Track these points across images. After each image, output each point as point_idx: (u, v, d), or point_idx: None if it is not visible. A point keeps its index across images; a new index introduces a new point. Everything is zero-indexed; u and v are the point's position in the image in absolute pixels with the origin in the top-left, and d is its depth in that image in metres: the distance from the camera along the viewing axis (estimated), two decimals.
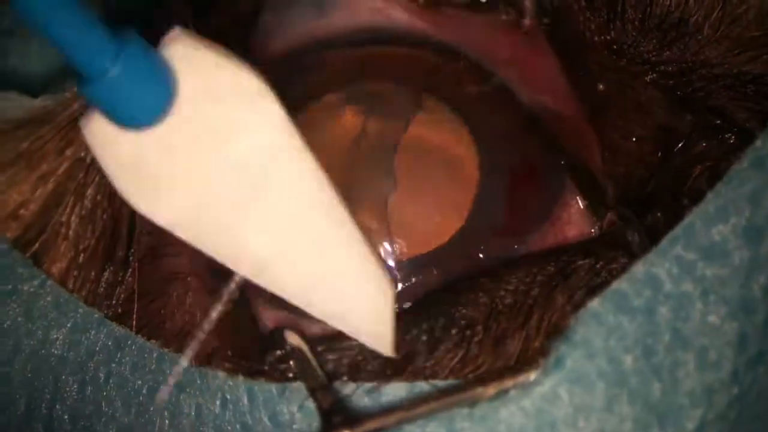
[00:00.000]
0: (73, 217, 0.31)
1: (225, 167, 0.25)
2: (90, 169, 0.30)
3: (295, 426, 0.28)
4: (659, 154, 0.31)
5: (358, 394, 0.28)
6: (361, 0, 0.33)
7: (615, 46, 0.31)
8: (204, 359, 0.30)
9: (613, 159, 0.32)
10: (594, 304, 0.26)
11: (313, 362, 0.29)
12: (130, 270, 0.31)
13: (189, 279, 0.31)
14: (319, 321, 0.29)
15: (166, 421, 0.28)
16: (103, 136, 0.25)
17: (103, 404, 0.29)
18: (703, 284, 0.26)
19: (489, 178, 0.31)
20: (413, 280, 0.31)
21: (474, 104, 0.32)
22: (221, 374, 0.28)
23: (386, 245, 0.31)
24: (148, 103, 0.24)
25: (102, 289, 0.31)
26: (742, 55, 0.31)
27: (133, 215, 0.31)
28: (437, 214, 0.32)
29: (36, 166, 0.30)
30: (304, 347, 0.29)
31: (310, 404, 0.28)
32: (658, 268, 0.26)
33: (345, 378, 0.29)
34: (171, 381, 0.28)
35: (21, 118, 0.30)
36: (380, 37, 0.33)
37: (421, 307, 0.30)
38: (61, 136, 0.30)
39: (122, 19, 0.26)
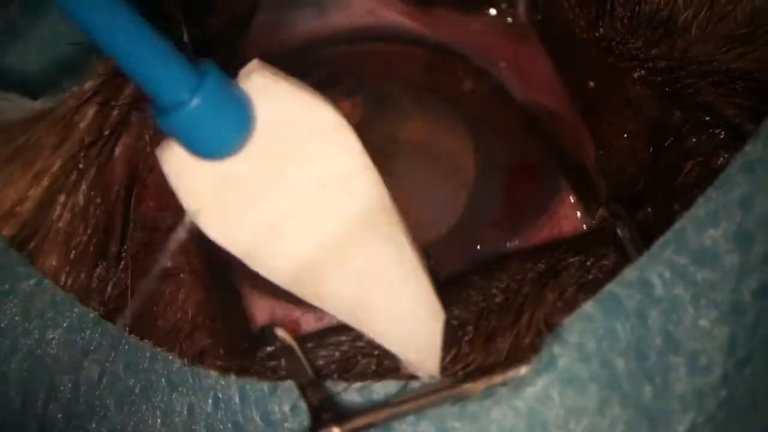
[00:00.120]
0: (65, 213, 0.31)
1: (299, 197, 0.26)
2: (84, 165, 0.30)
3: (286, 425, 0.28)
4: (650, 150, 0.31)
5: (348, 391, 0.28)
6: (357, 0, 0.33)
7: (603, 43, 0.31)
8: (196, 357, 0.30)
9: (605, 155, 0.32)
10: (587, 306, 0.27)
11: (303, 359, 0.29)
12: (122, 266, 0.31)
13: (182, 276, 0.31)
14: (309, 315, 0.29)
15: (158, 420, 0.29)
16: (179, 165, 0.25)
17: (96, 403, 0.29)
18: (695, 288, 0.26)
19: (485, 174, 0.32)
20: None
21: (471, 102, 0.32)
22: (213, 373, 0.28)
23: None
24: (225, 133, 0.25)
25: (94, 285, 0.31)
26: (731, 53, 0.31)
27: (127, 211, 0.31)
28: (433, 209, 0.32)
29: (31, 164, 0.30)
30: (294, 344, 0.29)
31: (302, 403, 0.28)
32: (650, 272, 0.27)
33: (335, 375, 0.29)
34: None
35: (20, 118, 0.30)
36: (378, 36, 0.33)
37: None
38: (55, 132, 0.30)
39: None
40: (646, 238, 0.28)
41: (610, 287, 0.27)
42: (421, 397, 0.27)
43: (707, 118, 0.31)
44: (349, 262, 0.26)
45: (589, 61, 0.32)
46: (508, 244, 0.31)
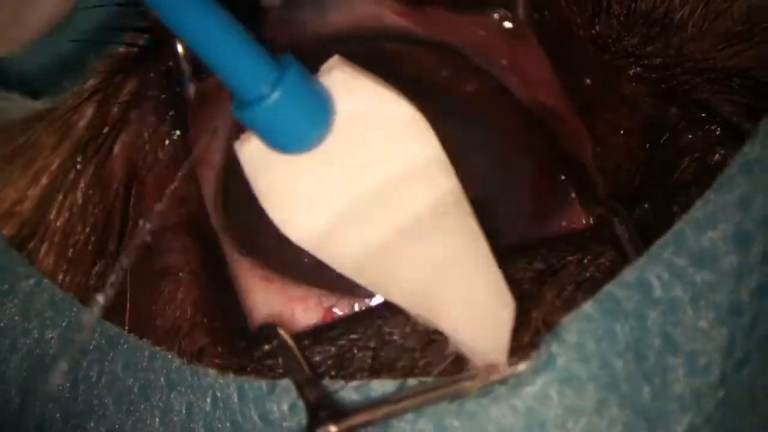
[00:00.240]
0: (64, 212, 0.31)
1: (374, 190, 0.26)
2: (83, 163, 0.30)
3: (285, 424, 0.28)
4: (647, 146, 0.31)
5: (345, 389, 0.28)
6: (356, 1, 0.33)
7: (600, 41, 0.31)
8: (194, 356, 0.30)
9: (602, 153, 0.32)
10: (586, 307, 0.27)
11: (299, 356, 0.29)
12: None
13: (180, 275, 0.31)
14: (310, 315, 0.30)
15: (157, 419, 0.29)
16: (258, 158, 0.26)
17: (95, 402, 0.29)
18: (693, 290, 0.27)
19: (486, 174, 0.32)
20: None
21: (471, 101, 0.32)
22: (212, 372, 0.28)
23: None
24: (305, 128, 0.25)
25: (92, 283, 0.31)
26: (727, 50, 0.31)
27: (126, 209, 0.31)
28: None
29: (31, 163, 0.30)
30: (291, 342, 0.29)
31: (300, 402, 0.28)
32: (649, 274, 0.27)
33: (332, 371, 0.29)
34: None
35: (21, 118, 0.30)
36: (378, 36, 0.33)
37: None
38: (55, 132, 0.30)
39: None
40: (643, 235, 0.28)
41: (610, 288, 0.27)
42: (418, 394, 0.27)
43: (703, 115, 0.31)
44: (421, 252, 0.27)
45: (586, 59, 0.32)
46: (507, 243, 0.31)
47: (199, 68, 0.32)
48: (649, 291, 0.27)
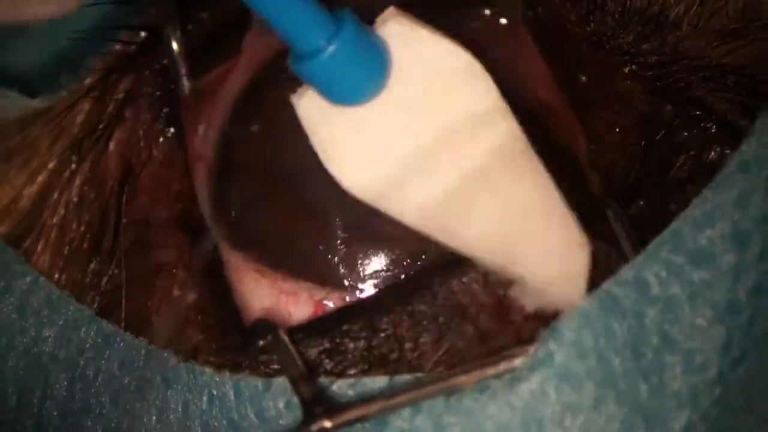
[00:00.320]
0: (60, 209, 0.31)
1: (435, 139, 0.26)
2: (78, 160, 0.30)
3: (281, 421, 0.28)
4: (642, 144, 0.31)
5: (340, 384, 0.28)
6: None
7: (595, 38, 0.31)
8: (190, 353, 0.30)
9: (597, 150, 0.32)
10: (584, 304, 0.27)
11: (293, 352, 0.29)
12: (116, 261, 0.31)
13: (175, 271, 0.31)
14: (302, 308, 0.30)
15: (154, 418, 0.29)
16: (315, 111, 0.26)
17: (92, 401, 0.29)
18: (691, 288, 0.27)
19: None
20: (407, 268, 0.31)
21: None
22: (208, 370, 0.28)
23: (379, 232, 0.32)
24: (362, 80, 0.25)
25: (88, 280, 0.31)
26: (722, 48, 0.31)
27: (121, 207, 0.31)
28: None
29: (27, 162, 0.30)
30: (285, 337, 0.29)
31: (296, 400, 0.28)
32: (647, 272, 0.27)
33: (327, 365, 0.29)
34: None
35: (18, 116, 0.30)
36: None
37: (406, 291, 0.31)
38: (50, 129, 0.30)
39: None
40: (639, 231, 0.28)
41: (608, 286, 0.27)
42: (413, 389, 0.27)
43: (698, 113, 0.31)
44: (491, 198, 0.27)
45: (581, 56, 0.32)
46: None
47: (194, 65, 0.31)
48: (646, 289, 0.27)
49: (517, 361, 0.27)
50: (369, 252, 0.31)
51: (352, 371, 0.29)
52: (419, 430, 0.27)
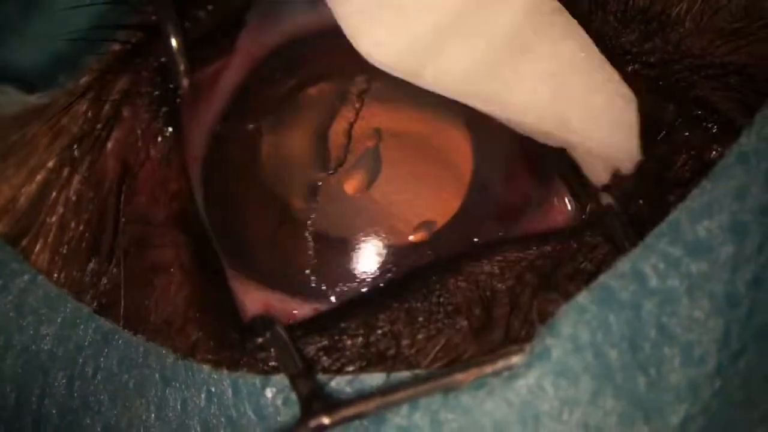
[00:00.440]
0: (58, 208, 0.31)
1: (466, 7, 0.26)
2: (76, 160, 0.30)
3: (279, 418, 0.28)
4: (642, 143, 0.31)
5: (338, 381, 0.28)
6: None
7: (596, 37, 0.31)
8: (188, 351, 0.30)
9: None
10: (580, 298, 0.27)
11: (292, 348, 0.29)
12: (114, 260, 0.31)
13: (172, 270, 0.31)
14: (301, 304, 0.30)
15: (152, 415, 0.29)
16: None
17: (90, 399, 0.29)
18: (689, 280, 0.26)
19: (483, 165, 0.32)
20: (406, 260, 0.31)
21: None
22: (206, 368, 0.28)
23: (378, 229, 0.32)
24: None
25: (87, 279, 0.31)
26: (725, 46, 0.31)
27: (119, 205, 0.31)
28: (432, 201, 0.32)
29: (26, 160, 0.30)
30: (283, 334, 0.29)
31: (294, 396, 0.28)
32: (645, 264, 0.27)
33: (325, 361, 0.29)
34: None
35: (15, 112, 0.30)
36: None
37: (403, 288, 0.30)
38: (49, 127, 0.31)
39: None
40: (638, 230, 0.28)
41: (604, 279, 0.27)
42: (411, 386, 0.27)
43: (700, 112, 0.31)
44: (531, 61, 0.27)
45: None
46: (506, 233, 0.31)
47: (193, 63, 0.32)
48: (644, 281, 0.26)
49: (515, 359, 0.27)
50: (341, 268, 0.31)
51: (349, 368, 0.29)
52: (417, 426, 0.27)
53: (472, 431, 0.27)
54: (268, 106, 0.32)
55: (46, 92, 0.30)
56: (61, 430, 0.29)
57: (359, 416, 0.27)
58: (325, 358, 0.30)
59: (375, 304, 0.30)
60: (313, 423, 0.27)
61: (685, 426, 0.26)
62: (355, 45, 0.26)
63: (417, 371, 0.28)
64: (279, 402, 0.28)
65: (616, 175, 0.31)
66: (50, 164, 0.31)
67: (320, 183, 0.32)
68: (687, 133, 0.31)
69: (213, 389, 0.28)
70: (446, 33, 0.26)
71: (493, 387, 0.27)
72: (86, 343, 0.29)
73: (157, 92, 0.32)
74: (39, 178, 0.30)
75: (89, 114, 0.31)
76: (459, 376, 0.27)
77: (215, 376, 0.28)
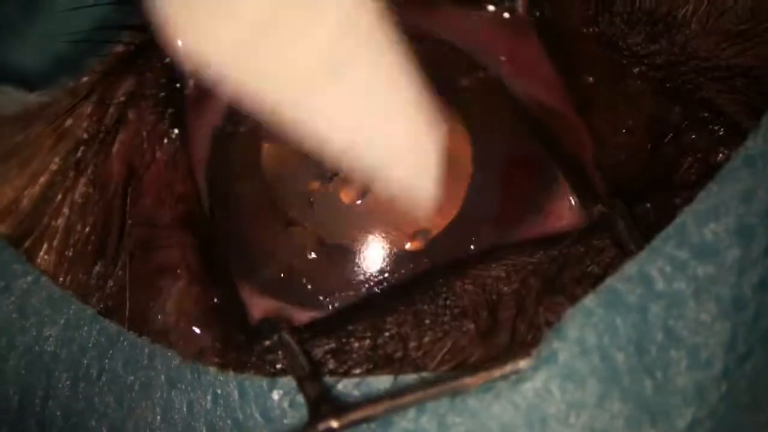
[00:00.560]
0: (64, 210, 0.31)
1: (280, 13, 0.25)
2: (82, 163, 0.30)
3: (285, 421, 0.28)
4: (648, 146, 0.31)
5: (346, 384, 0.28)
6: None
7: (603, 39, 0.31)
8: (194, 353, 0.30)
9: (603, 151, 0.32)
10: (587, 301, 0.26)
11: (299, 352, 0.29)
12: (120, 263, 0.31)
13: (180, 272, 0.31)
14: (306, 309, 0.30)
15: (158, 417, 0.28)
16: None
17: (96, 400, 0.29)
18: (696, 283, 0.26)
19: (482, 170, 0.32)
20: (403, 269, 0.31)
21: (468, 97, 0.32)
22: (212, 370, 0.28)
23: (377, 232, 0.31)
24: None
25: (93, 282, 0.31)
26: (731, 48, 0.31)
27: (125, 208, 0.31)
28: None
29: (29, 162, 0.30)
30: (290, 337, 0.29)
31: (301, 399, 0.28)
32: (651, 267, 0.27)
33: (332, 364, 0.29)
34: None
35: (16, 112, 0.30)
36: None
37: (410, 291, 0.30)
38: (53, 130, 0.30)
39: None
40: (645, 233, 0.28)
41: (611, 282, 0.26)
42: (419, 390, 0.27)
43: (706, 115, 0.30)
44: (343, 75, 0.26)
45: (588, 57, 0.32)
46: (507, 238, 0.31)
47: None
48: (651, 284, 0.26)
49: (523, 363, 0.27)
50: (339, 277, 0.31)
51: (357, 370, 0.29)
52: (424, 430, 0.27)
53: None
54: None
55: (46, 91, 0.30)
56: None
57: (367, 420, 0.27)
58: (332, 360, 0.30)
59: (382, 307, 0.30)
60: (321, 426, 0.27)
61: (693, 429, 0.26)
62: (175, 48, 0.26)
63: (425, 374, 0.28)
64: (286, 404, 0.28)
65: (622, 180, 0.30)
66: (54, 166, 0.31)
67: (317, 191, 0.31)
68: (693, 136, 0.31)
69: (219, 391, 0.28)
70: (263, 33, 0.25)
71: (500, 390, 0.27)
72: (90, 345, 0.29)
73: (162, 94, 0.32)
74: (42, 180, 0.30)
75: (94, 117, 0.31)
76: (467, 380, 0.27)
77: (221, 378, 0.28)
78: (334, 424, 0.27)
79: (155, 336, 0.30)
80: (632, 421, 0.26)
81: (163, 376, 0.29)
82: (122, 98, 0.31)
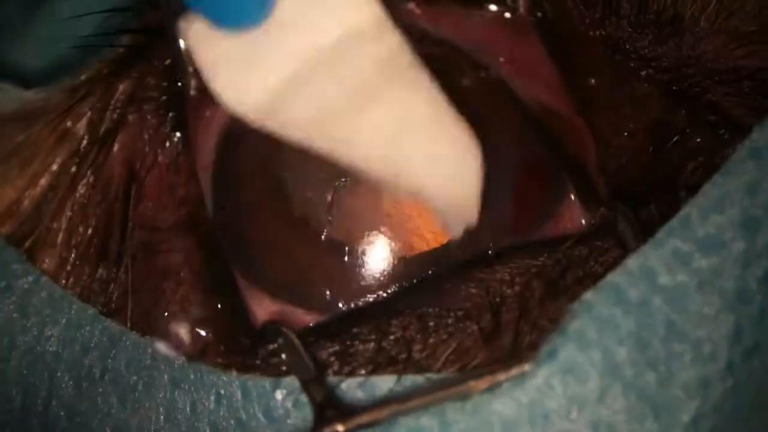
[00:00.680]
0: (66, 212, 0.31)
1: (321, 58, 0.26)
2: (82, 165, 0.30)
3: (289, 421, 0.28)
4: (651, 148, 0.31)
5: (351, 387, 0.28)
6: None
7: (610, 42, 0.31)
8: (197, 354, 0.30)
9: (606, 154, 0.31)
10: (588, 296, 0.26)
11: (304, 354, 0.29)
12: (123, 266, 0.31)
13: (182, 275, 0.31)
14: (311, 312, 0.30)
15: (162, 417, 0.28)
16: (201, 38, 0.26)
17: (99, 400, 0.29)
18: (699, 276, 0.26)
19: (491, 175, 0.31)
20: (409, 273, 0.31)
21: (472, 98, 0.32)
22: (215, 370, 0.28)
23: (384, 240, 0.31)
24: (249, 5, 0.25)
25: (96, 285, 0.31)
26: (738, 51, 0.30)
27: (127, 210, 0.31)
28: None
29: (29, 162, 0.30)
30: (295, 340, 0.29)
31: (304, 399, 0.28)
32: (654, 260, 0.26)
33: (337, 367, 0.29)
34: None
35: (15, 110, 0.30)
36: None
37: (414, 294, 0.30)
38: (53, 132, 0.31)
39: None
40: (649, 236, 0.28)
41: (612, 276, 0.26)
42: (425, 393, 0.27)
43: (712, 118, 0.30)
44: (378, 110, 0.26)
45: (592, 59, 0.32)
46: (511, 242, 0.31)
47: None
48: (653, 277, 0.26)
49: (527, 366, 0.26)
50: (353, 280, 0.31)
51: (361, 372, 0.29)
52: (426, 427, 0.27)
53: (481, 431, 0.26)
54: None
55: (44, 88, 0.30)
56: None
57: (373, 424, 0.27)
58: (337, 363, 0.29)
59: (387, 310, 0.30)
60: (327, 430, 0.27)
61: (696, 423, 0.26)
62: (212, 90, 0.26)
63: (430, 376, 0.28)
64: (289, 404, 0.28)
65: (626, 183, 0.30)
66: (55, 168, 0.31)
67: (326, 194, 0.32)
68: (699, 139, 0.31)
69: (222, 391, 0.28)
70: (298, 83, 0.26)
71: (501, 387, 0.27)
72: (93, 345, 0.29)
73: (164, 97, 0.32)
74: (43, 181, 0.30)
75: (94, 118, 0.31)
76: (473, 383, 0.27)
77: (225, 378, 0.28)
78: (340, 428, 0.27)
79: (158, 338, 0.29)
80: (635, 415, 0.26)
81: (166, 376, 0.29)
82: (122, 100, 0.31)
